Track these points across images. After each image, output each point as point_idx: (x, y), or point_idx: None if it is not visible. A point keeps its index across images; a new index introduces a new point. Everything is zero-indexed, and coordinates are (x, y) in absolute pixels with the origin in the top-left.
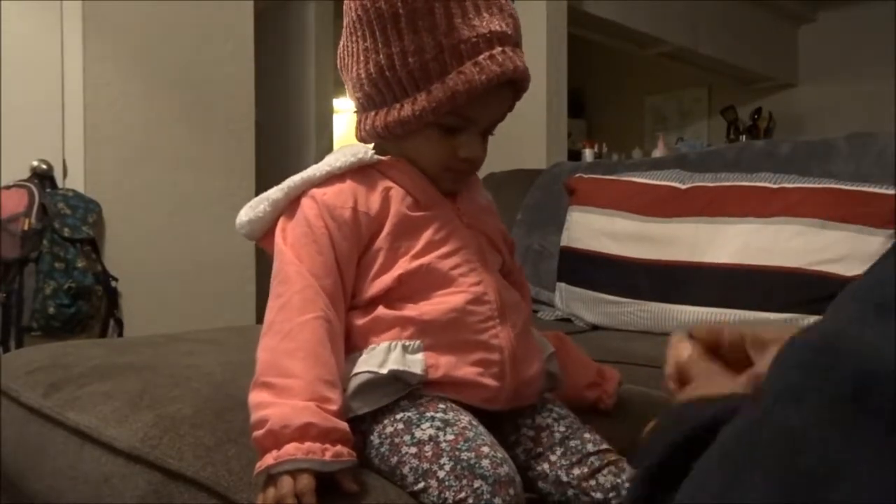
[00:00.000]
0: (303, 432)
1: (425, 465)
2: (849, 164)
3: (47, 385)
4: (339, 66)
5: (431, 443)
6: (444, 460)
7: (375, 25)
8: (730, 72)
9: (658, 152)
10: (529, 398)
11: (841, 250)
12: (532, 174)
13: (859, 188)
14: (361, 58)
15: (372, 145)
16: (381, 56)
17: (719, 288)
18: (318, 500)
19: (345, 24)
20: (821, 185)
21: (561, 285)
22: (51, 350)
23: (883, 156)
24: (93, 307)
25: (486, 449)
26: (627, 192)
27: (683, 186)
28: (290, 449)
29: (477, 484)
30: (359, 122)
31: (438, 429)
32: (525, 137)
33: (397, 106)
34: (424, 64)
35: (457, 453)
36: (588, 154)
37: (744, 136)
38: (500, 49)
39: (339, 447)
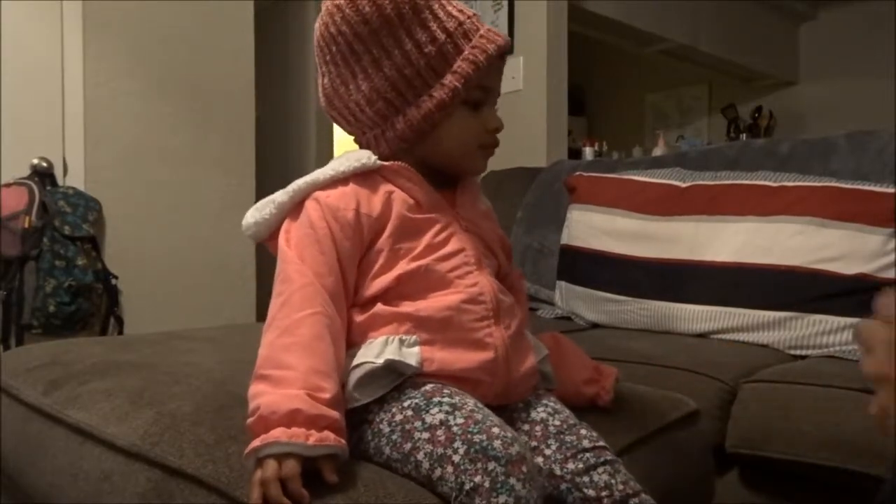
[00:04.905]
0: (290, 418)
1: (440, 450)
2: (849, 162)
3: (47, 383)
4: (324, 106)
5: (443, 427)
6: (457, 444)
7: (382, 31)
8: (730, 70)
9: (658, 150)
10: (517, 396)
11: (841, 249)
12: (532, 172)
13: (859, 187)
14: (370, 70)
15: (377, 157)
16: (396, 57)
17: (719, 286)
18: (302, 485)
19: (325, 60)
20: (821, 184)
21: (561, 283)
22: (51, 348)
23: (883, 154)
24: (93, 305)
25: (496, 430)
26: (628, 190)
27: (683, 185)
28: (277, 433)
29: (491, 466)
30: (377, 139)
31: (447, 413)
32: (525, 136)
33: (425, 98)
34: (441, 48)
35: (469, 436)
36: (588, 152)
37: (744, 135)
38: (485, 27)
39: (325, 433)
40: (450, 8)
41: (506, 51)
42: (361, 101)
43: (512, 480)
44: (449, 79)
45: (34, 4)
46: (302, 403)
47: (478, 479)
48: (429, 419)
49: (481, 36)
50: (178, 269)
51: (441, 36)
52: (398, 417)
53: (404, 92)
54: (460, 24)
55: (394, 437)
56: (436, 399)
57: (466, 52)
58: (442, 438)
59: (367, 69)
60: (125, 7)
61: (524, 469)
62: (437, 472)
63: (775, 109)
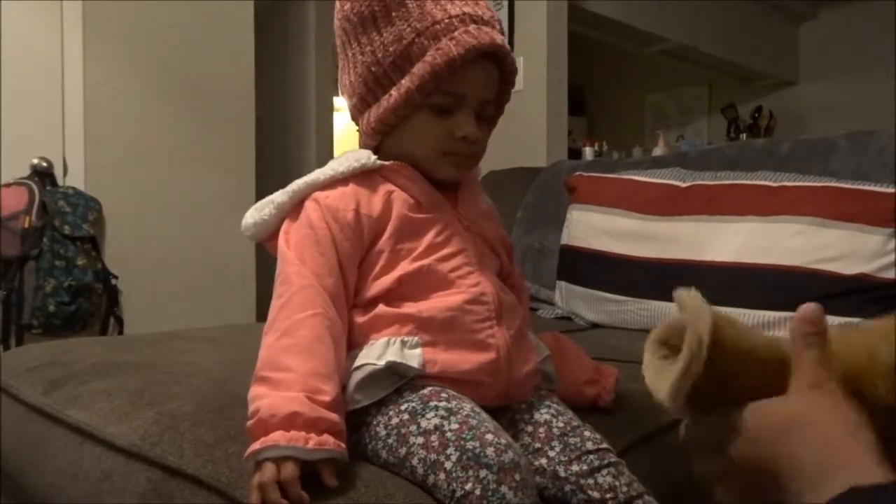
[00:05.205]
0: (290, 421)
1: (433, 456)
2: (849, 162)
3: (48, 383)
4: (341, 94)
5: (437, 432)
6: (450, 450)
7: (357, 29)
8: (730, 70)
9: (658, 150)
10: (519, 397)
11: (841, 249)
12: (532, 172)
13: (859, 187)
14: (350, 65)
15: (376, 156)
16: (367, 55)
17: (719, 286)
18: (301, 488)
19: (336, 53)
20: (821, 184)
21: (561, 283)
22: (51, 348)
23: (883, 154)
24: (93, 305)
25: (489, 436)
26: (627, 190)
27: (683, 185)
28: (276, 436)
29: (483, 473)
30: (360, 128)
31: (443, 418)
32: (525, 135)
33: (387, 97)
34: (404, 49)
35: (462, 442)
36: (588, 152)
37: (744, 135)
38: (474, 26)
39: (324, 436)
40: (430, 6)
41: (487, 53)
42: (347, 94)
43: (503, 489)
44: (407, 80)
45: (34, 4)
46: (301, 406)
47: (469, 486)
48: (424, 424)
49: (451, 38)
50: (178, 269)
51: (409, 35)
52: (394, 421)
53: (374, 89)
54: (434, 23)
55: (390, 441)
56: (432, 403)
57: (429, 54)
58: (436, 444)
59: (349, 64)
60: (125, 7)
61: (517, 477)
62: (431, 478)
63: (775, 109)
